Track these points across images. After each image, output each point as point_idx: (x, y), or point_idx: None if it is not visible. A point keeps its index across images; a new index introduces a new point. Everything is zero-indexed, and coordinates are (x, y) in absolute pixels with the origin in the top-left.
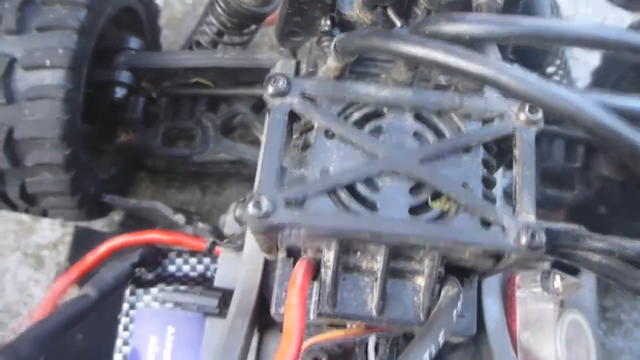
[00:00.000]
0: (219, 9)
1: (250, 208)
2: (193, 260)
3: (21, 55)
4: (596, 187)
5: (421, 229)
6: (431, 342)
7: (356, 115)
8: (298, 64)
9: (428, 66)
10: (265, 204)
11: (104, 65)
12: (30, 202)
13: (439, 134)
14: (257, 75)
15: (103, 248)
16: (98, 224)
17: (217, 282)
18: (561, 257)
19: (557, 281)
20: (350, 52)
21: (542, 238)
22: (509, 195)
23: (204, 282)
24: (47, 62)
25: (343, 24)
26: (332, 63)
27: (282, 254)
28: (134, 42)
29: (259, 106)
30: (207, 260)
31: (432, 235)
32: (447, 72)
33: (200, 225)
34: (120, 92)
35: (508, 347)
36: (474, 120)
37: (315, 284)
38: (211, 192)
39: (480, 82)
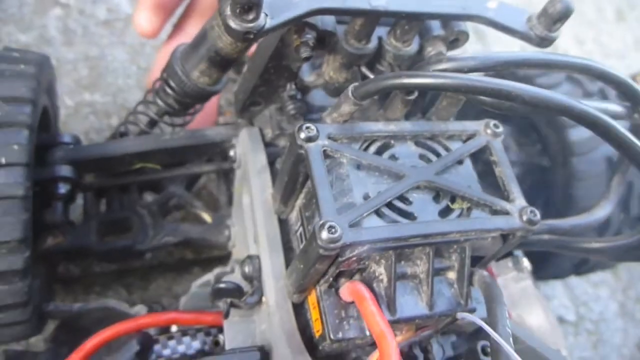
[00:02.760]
0: (169, 90)
1: (325, 233)
2: (186, 338)
3: None
4: None
5: (455, 225)
6: (503, 307)
7: (373, 149)
8: (260, 131)
9: (441, 90)
10: (337, 228)
11: (40, 163)
12: None
13: (435, 153)
14: (206, 151)
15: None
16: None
17: (229, 345)
18: (522, 246)
19: (525, 261)
20: (370, 94)
21: (537, 215)
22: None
23: (203, 357)
24: (3, 160)
25: (302, 89)
26: (345, 109)
27: (323, 287)
28: (68, 137)
29: (191, 184)
30: (200, 334)
31: (465, 228)
32: (470, 92)
33: (222, 285)
34: (63, 188)
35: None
36: (456, 140)
37: None
38: (137, 289)
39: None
